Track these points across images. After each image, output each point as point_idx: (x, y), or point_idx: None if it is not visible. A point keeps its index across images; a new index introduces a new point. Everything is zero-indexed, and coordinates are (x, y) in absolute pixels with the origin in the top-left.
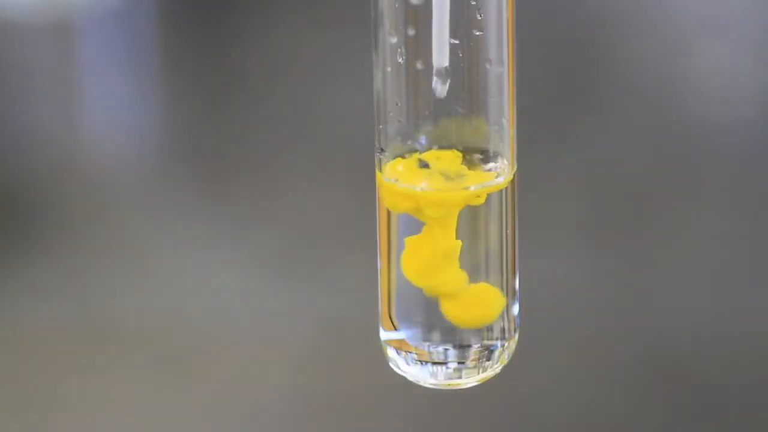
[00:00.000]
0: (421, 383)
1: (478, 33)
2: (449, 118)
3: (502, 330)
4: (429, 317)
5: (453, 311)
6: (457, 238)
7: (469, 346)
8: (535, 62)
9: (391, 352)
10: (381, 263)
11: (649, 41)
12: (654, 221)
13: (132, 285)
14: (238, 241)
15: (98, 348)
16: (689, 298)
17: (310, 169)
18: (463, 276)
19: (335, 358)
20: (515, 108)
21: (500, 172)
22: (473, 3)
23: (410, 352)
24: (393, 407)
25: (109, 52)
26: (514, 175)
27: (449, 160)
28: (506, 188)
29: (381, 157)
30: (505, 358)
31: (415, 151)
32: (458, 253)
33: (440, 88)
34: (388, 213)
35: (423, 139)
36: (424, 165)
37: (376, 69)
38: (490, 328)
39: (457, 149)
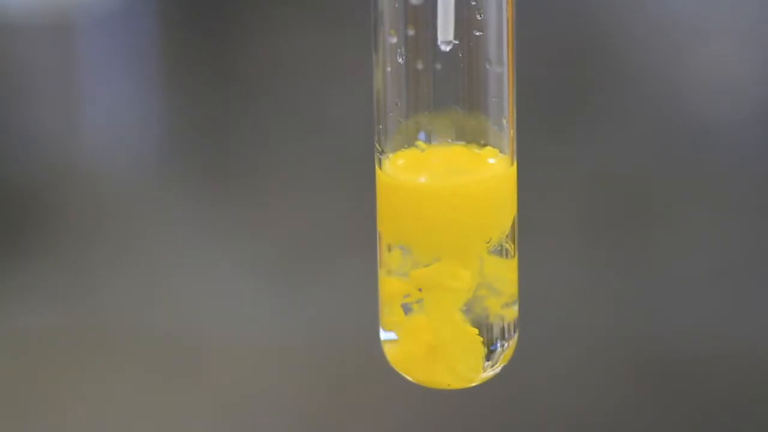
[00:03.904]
0: (421, 384)
1: (478, 33)
2: (449, 117)
3: (502, 330)
4: None
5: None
6: (458, 236)
7: None
8: (535, 62)
9: None
10: (380, 264)
11: (649, 40)
12: (654, 221)
13: (131, 285)
14: (238, 242)
15: (98, 348)
16: (689, 298)
17: (310, 169)
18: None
19: (335, 358)
20: (515, 107)
21: (500, 171)
22: (473, 3)
23: None
24: (393, 407)
25: (109, 52)
26: (513, 175)
27: (450, 154)
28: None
29: (381, 157)
30: (505, 359)
31: (415, 149)
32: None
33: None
34: (388, 214)
35: (423, 139)
36: (425, 158)
37: (376, 69)
38: (489, 329)
39: (458, 146)
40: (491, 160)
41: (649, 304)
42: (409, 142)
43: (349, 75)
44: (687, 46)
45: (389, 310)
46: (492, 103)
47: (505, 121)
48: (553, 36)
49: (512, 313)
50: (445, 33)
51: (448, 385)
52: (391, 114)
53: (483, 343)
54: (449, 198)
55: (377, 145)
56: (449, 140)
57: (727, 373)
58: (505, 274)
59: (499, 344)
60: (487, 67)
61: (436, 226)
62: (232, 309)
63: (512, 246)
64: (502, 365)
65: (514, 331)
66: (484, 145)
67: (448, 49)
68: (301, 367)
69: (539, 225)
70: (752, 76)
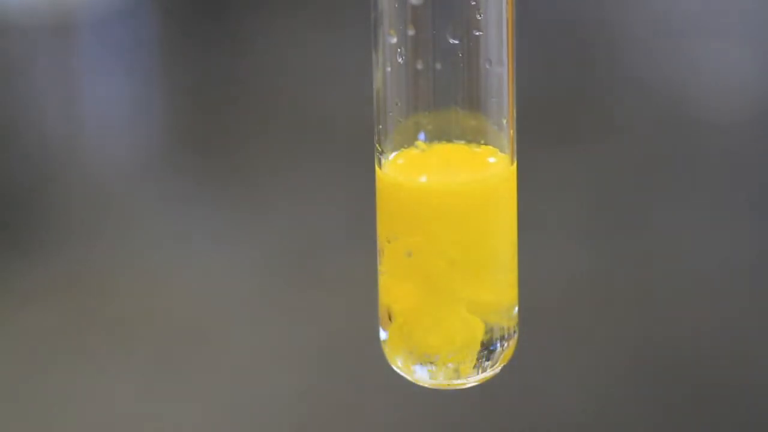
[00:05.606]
0: (421, 383)
1: (478, 33)
2: (449, 117)
3: (502, 330)
4: None
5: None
6: (458, 236)
7: None
8: (535, 62)
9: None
10: (380, 263)
11: (649, 40)
12: (654, 220)
13: (132, 285)
14: (239, 241)
15: (98, 348)
16: (689, 297)
17: (311, 169)
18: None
19: (335, 358)
20: (515, 107)
21: (500, 170)
22: (473, 3)
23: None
24: (393, 407)
25: (109, 52)
26: (513, 174)
27: (450, 153)
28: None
29: (381, 157)
30: (505, 359)
31: (415, 149)
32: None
33: None
34: (388, 214)
35: (423, 139)
36: (425, 158)
37: (376, 69)
38: (490, 329)
39: (458, 145)
40: (491, 160)
41: (649, 304)
42: (409, 142)
43: (349, 75)
44: (687, 46)
45: (389, 309)
46: (492, 103)
47: (504, 121)
48: (554, 36)
49: (512, 313)
50: None
51: (448, 384)
52: (391, 114)
53: (482, 341)
54: (449, 197)
55: (377, 145)
56: (449, 140)
57: (727, 373)
58: (506, 273)
59: (498, 344)
60: (487, 67)
61: (435, 226)
62: (233, 308)
63: (512, 245)
64: (501, 365)
65: (514, 332)
66: (484, 145)
67: None
68: (302, 364)
69: (540, 224)
70: (752, 76)
